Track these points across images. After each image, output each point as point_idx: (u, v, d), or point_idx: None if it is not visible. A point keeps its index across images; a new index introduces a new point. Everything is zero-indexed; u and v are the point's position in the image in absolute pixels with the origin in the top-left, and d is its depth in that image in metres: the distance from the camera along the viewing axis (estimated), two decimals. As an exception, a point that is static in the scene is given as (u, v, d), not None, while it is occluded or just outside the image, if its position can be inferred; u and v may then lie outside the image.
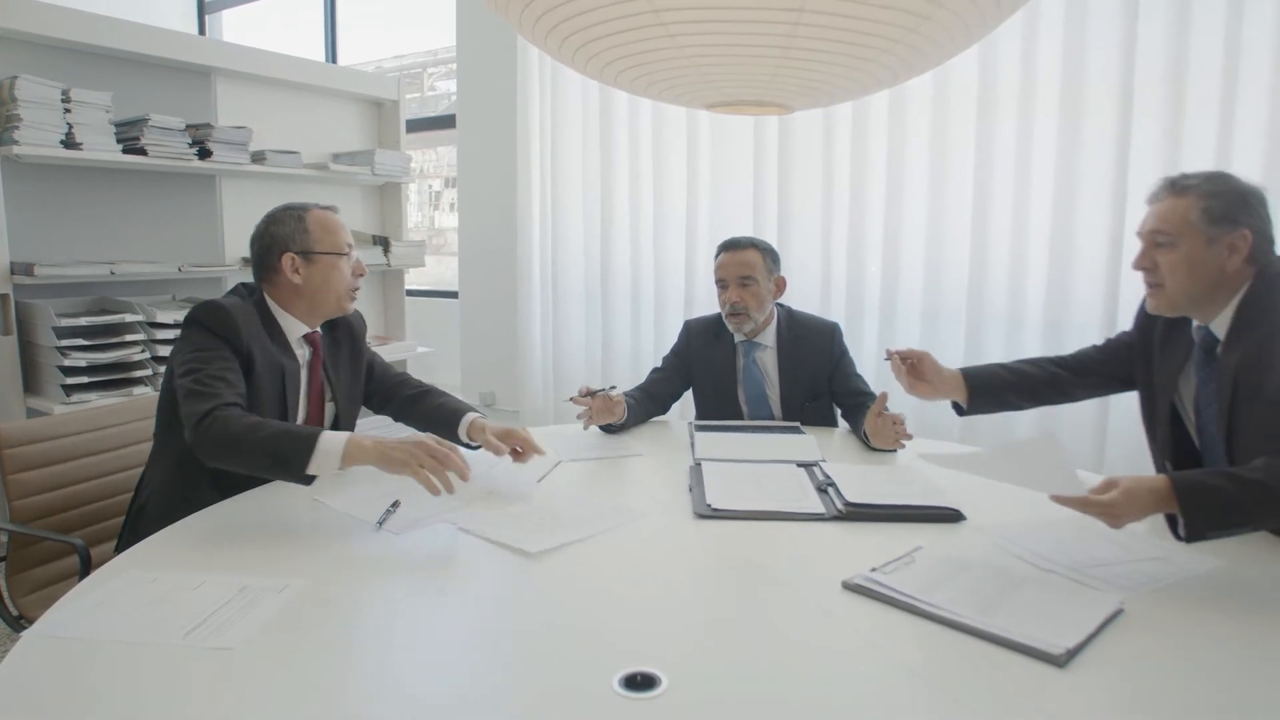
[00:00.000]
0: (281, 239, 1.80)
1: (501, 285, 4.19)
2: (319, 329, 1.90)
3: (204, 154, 3.08)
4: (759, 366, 2.40)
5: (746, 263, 2.34)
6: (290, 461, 1.51)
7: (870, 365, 3.15)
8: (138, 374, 2.85)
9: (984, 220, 2.97)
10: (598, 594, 1.28)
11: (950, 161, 3.02)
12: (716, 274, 2.39)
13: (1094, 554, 1.38)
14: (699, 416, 2.50)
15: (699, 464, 1.89)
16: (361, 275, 1.90)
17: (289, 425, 1.59)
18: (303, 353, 1.87)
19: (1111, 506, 1.29)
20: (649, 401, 2.36)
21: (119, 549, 1.75)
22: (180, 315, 2.72)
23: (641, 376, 2.59)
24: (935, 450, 1.79)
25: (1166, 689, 1.01)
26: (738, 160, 3.48)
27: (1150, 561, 1.36)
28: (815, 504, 1.64)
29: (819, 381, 2.37)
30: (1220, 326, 1.54)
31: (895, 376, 1.97)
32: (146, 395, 2.21)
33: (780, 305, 2.46)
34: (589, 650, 1.10)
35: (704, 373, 2.45)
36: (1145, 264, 1.57)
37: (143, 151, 2.89)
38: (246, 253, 3.31)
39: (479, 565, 1.42)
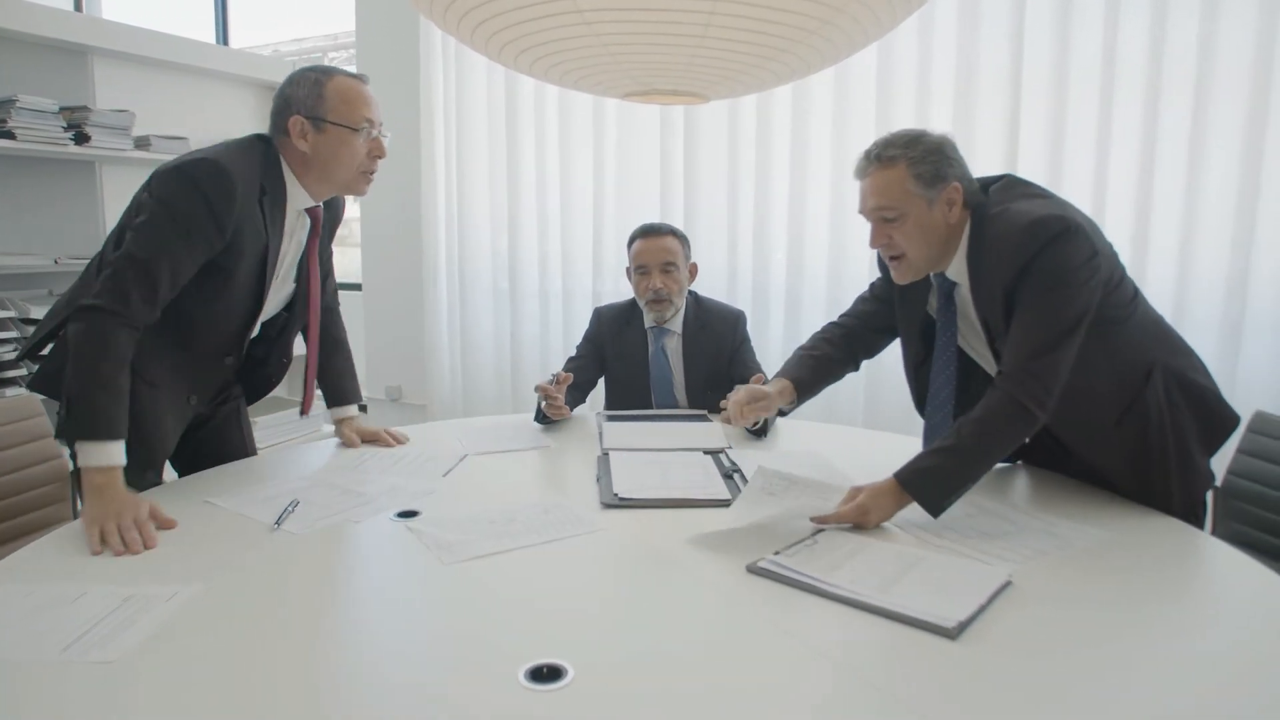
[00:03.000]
0: (294, 100, 1.67)
1: (407, 276, 4.09)
2: (321, 204, 1.80)
3: (81, 139, 2.90)
4: (665, 353, 2.41)
5: (668, 249, 2.36)
6: (74, 424, 1.47)
7: (775, 356, 3.21)
8: (10, 374, 2.67)
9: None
10: (503, 586, 1.26)
11: (851, 153, 3.07)
12: (635, 260, 2.39)
13: (983, 530, 1.45)
14: (609, 403, 2.50)
15: (606, 454, 1.89)
16: (380, 157, 1.75)
17: (106, 401, 1.48)
18: (301, 225, 1.78)
19: (861, 514, 1.44)
20: (574, 390, 2.34)
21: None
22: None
23: (551, 366, 2.57)
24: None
25: (1053, 655, 1.06)
26: (644, 150, 3.47)
27: (1036, 534, 1.43)
28: (721, 490, 1.66)
29: (720, 369, 2.39)
30: (956, 272, 1.61)
31: (735, 423, 1.84)
32: (21, 397, 2.07)
33: (690, 292, 2.48)
34: (495, 643, 1.09)
35: (616, 359, 2.46)
36: (882, 241, 1.59)
37: (10, 135, 2.70)
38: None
39: (380, 564, 1.38)
